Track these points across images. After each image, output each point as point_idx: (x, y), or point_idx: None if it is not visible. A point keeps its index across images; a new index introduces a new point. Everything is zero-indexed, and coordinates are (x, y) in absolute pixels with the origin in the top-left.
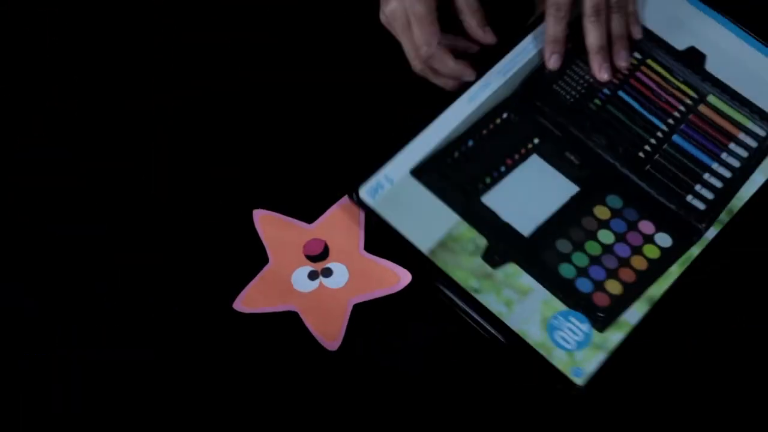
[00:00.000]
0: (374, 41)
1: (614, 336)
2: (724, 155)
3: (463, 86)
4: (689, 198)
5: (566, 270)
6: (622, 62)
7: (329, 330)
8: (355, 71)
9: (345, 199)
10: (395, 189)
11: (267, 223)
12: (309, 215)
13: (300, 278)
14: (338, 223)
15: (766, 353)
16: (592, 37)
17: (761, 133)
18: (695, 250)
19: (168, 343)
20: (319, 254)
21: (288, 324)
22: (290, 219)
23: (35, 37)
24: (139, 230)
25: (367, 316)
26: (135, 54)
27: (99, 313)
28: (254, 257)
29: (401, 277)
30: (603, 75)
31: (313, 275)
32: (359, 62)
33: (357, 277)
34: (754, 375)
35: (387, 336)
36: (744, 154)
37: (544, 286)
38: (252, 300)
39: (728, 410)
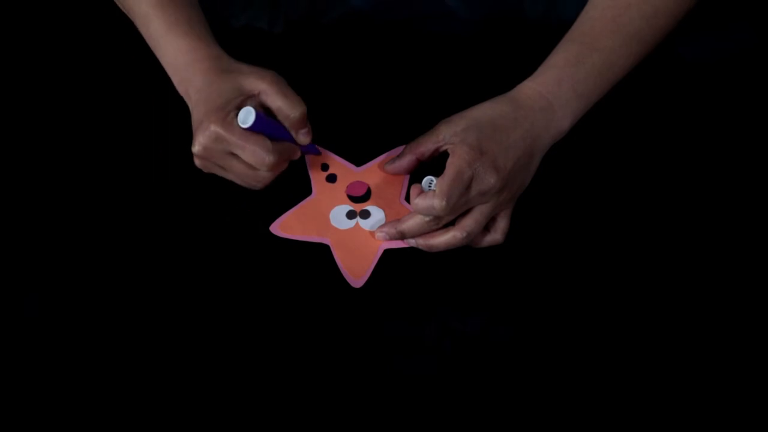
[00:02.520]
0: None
1: None
2: None
3: None
4: None
5: None
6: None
7: (357, 268)
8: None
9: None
10: None
11: (316, 157)
12: (359, 159)
13: (338, 215)
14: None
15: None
16: (408, 226)
17: None
18: None
19: (168, 344)
20: (360, 196)
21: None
22: (340, 158)
23: (35, 37)
24: (139, 230)
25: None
26: (134, 54)
27: (99, 313)
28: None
29: None
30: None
31: (351, 214)
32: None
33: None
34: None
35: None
36: None
37: None
38: (289, 226)
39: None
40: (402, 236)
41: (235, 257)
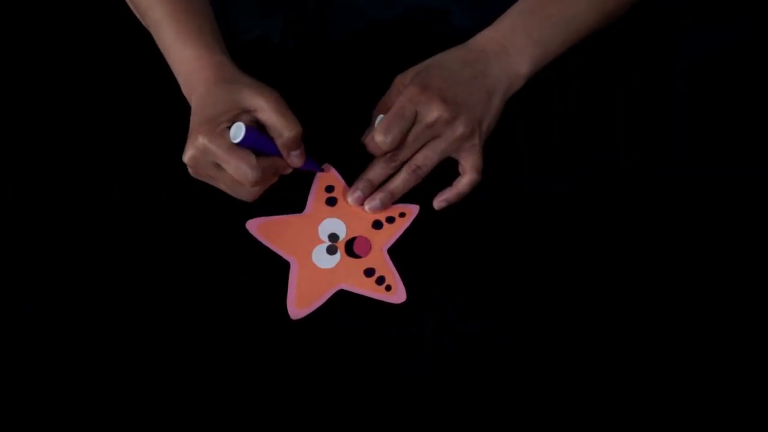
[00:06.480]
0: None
1: None
2: None
3: None
4: None
5: None
6: (368, 206)
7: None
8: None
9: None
10: None
11: (266, 230)
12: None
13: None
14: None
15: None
16: (372, 172)
17: None
18: None
19: (168, 343)
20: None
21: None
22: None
23: (35, 37)
24: (139, 231)
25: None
26: (133, 55)
27: (98, 313)
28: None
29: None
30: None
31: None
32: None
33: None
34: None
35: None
36: None
37: None
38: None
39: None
40: (371, 185)
41: (235, 256)
